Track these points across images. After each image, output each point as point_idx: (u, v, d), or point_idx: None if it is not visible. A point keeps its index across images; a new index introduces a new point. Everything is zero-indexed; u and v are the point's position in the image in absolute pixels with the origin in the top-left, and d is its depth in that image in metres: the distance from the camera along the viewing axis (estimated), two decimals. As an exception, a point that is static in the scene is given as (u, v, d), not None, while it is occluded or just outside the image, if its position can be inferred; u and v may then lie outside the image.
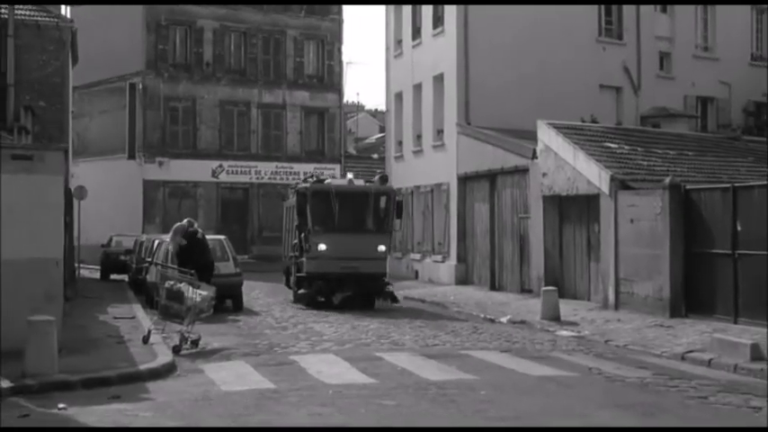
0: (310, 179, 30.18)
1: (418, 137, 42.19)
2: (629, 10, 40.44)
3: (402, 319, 24.79)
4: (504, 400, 13.13)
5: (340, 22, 58.62)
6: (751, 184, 22.27)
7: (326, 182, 29.67)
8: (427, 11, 41.03)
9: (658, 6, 41.91)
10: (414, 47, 42.63)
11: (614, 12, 40.66)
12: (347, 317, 25.05)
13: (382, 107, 62.00)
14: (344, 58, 62.71)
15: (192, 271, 19.84)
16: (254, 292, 33.06)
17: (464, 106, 37.31)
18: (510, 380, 14.78)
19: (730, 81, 42.27)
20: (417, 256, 41.66)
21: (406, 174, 42.92)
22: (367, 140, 76.37)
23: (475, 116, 36.86)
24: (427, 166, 40.54)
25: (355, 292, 27.95)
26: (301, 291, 28.30)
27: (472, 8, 37.35)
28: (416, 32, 42.47)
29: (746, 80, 42.28)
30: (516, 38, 37.24)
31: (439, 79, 39.43)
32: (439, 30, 39.55)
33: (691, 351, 17.96)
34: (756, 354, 16.38)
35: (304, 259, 28.15)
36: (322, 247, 27.55)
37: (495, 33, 37.11)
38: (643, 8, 40.64)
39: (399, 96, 44.58)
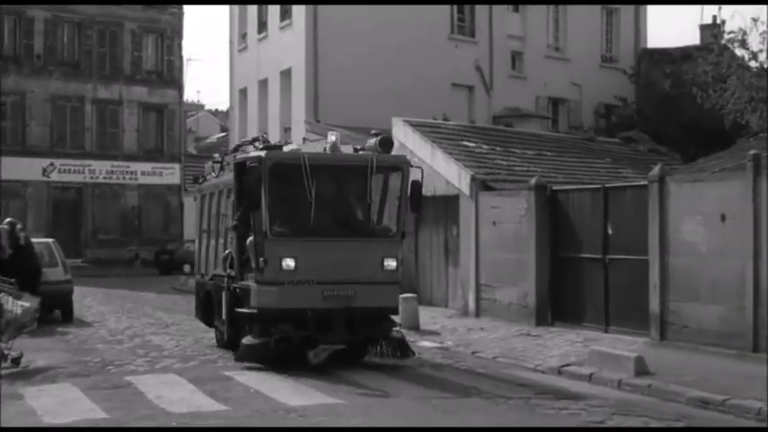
0: (257, 144, 18.32)
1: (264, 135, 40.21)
2: (481, 8, 39.55)
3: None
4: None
5: (180, 16, 56.27)
6: (623, 185, 21.22)
7: (289, 149, 17.59)
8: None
9: (510, 5, 41.09)
10: (260, 40, 40.71)
11: (467, 9, 39.68)
12: (191, 326, 22.85)
13: (223, 106, 59.94)
14: (185, 54, 60.27)
15: (13, 280, 17.49)
16: (87, 299, 30.59)
17: (313, 103, 35.65)
18: (381, 403, 13.04)
19: (581, 82, 41.80)
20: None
21: (251, 174, 40.84)
22: (208, 140, 73.93)
23: (324, 113, 35.17)
24: (274, 166, 38.59)
25: (349, 341, 16.61)
26: (249, 340, 16.32)
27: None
28: (262, 26, 40.58)
29: (597, 82, 41.93)
30: (368, 33, 35.71)
31: (286, 75, 37.65)
32: (287, 23, 37.75)
33: (567, 365, 16.59)
34: (641, 368, 15.11)
35: (253, 285, 16.44)
36: (289, 263, 15.99)
37: (347, 27, 35.53)
38: (495, 6, 39.84)
39: (244, 93, 42.60)
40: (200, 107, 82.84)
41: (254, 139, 18.94)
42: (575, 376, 15.77)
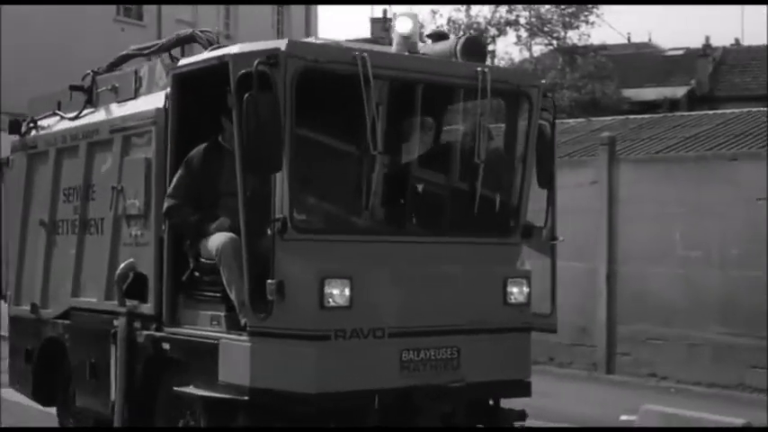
0: (174, 55, 9.62)
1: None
2: (148, -10, 37.97)
3: None
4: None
5: None
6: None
7: (320, 43, 8.15)
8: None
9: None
10: None
11: (133, -9, 38.02)
12: None
13: None
14: None
15: None
16: None
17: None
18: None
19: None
20: None
21: None
22: None
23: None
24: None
25: None
26: None
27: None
28: None
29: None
30: (30, 14, 33.10)
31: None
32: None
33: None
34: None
35: (230, 338, 7.46)
36: (339, 291, 7.19)
37: (7, 9, 32.74)
38: (164, -11, 38.29)
39: None
40: None
41: (185, 38, 9.70)
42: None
